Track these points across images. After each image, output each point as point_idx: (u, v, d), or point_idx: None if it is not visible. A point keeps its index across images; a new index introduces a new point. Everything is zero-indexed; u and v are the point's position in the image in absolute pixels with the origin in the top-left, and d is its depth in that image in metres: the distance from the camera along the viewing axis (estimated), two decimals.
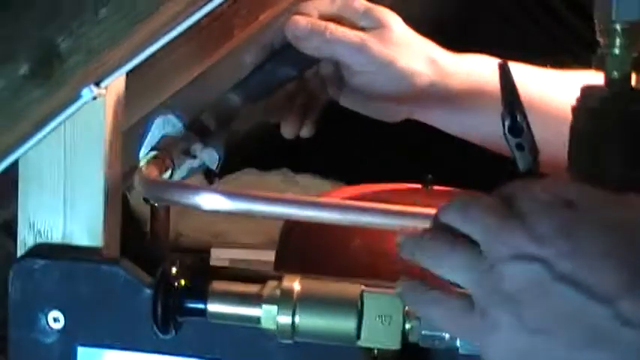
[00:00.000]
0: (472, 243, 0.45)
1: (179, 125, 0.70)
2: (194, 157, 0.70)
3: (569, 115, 0.54)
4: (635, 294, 0.41)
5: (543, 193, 0.45)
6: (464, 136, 0.84)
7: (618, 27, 0.51)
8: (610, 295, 0.41)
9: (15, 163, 0.65)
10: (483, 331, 0.44)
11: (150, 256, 0.67)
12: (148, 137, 0.69)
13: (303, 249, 0.82)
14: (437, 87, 0.78)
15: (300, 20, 0.77)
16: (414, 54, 0.77)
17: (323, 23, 0.76)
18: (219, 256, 1.91)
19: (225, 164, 0.76)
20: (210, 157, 0.70)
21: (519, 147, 0.54)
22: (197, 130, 0.71)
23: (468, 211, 0.46)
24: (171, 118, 0.70)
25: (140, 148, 0.68)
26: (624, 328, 0.41)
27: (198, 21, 0.65)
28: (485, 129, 0.80)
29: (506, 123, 0.54)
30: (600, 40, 0.53)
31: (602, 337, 0.41)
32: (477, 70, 0.79)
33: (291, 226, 0.86)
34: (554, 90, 0.78)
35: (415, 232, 0.48)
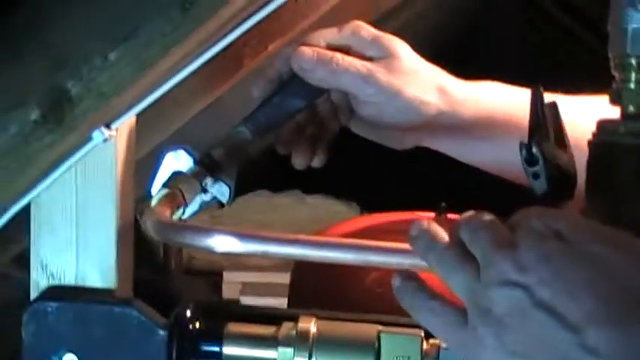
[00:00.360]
0: (477, 263, 0.49)
1: (189, 160, 0.70)
2: (205, 191, 0.70)
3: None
4: (601, 324, 0.43)
5: (537, 223, 0.48)
6: (475, 163, 0.83)
7: (633, 61, 0.51)
8: (578, 323, 0.44)
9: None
10: (471, 347, 0.48)
11: (164, 293, 0.67)
12: (159, 173, 0.69)
13: (316, 283, 0.81)
14: (446, 116, 0.77)
15: (306, 51, 0.76)
16: (423, 83, 0.76)
17: (329, 54, 0.76)
18: (232, 279, 1.90)
19: (235, 186, 0.76)
20: (221, 191, 0.70)
21: (535, 176, 0.55)
22: (207, 165, 0.71)
23: (477, 233, 0.50)
24: (182, 153, 0.70)
25: (151, 185, 0.68)
26: (589, 356, 0.43)
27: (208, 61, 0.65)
28: (495, 156, 0.79)
29: (523, 153, 0.55)
30: (616, 74, 0.52)
31: None
32: (486, 97, 0.79)
33: (302, 264, 0.86)
34: (577, 116, 0.78)
35: (430, 231, 0.52)
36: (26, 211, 0.65)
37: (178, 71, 0.60)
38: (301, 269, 0.82)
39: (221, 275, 1.95)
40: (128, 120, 0.64)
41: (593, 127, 0.54)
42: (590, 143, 0.53)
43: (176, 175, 0.68)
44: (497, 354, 0.46)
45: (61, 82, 0.56)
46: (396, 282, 0.53)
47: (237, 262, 2.01)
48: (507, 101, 0.79)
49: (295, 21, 0.95)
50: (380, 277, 0.78)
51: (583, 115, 0.76)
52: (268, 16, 0.94)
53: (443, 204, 0.86)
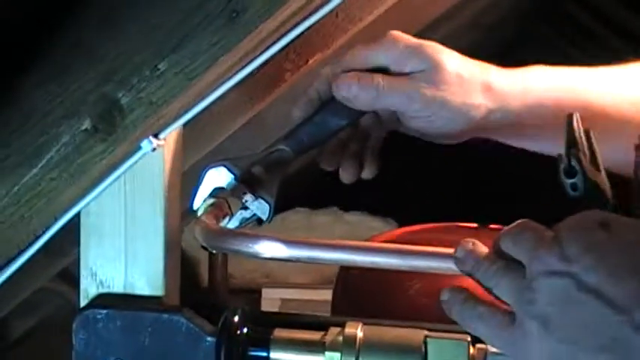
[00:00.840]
0: (522, 267, 0.50)
1: (231, 177, 0.70)
2: (245, 208, 0.70)
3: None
4: None
5: (580, 218, 0.50)
6: (531, 147, 0.82)
7: None
8: (626, 304, 0.46)
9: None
10: (520, 343, 0.49)
11: (209, 304, 0.68)
12: (200, 189, 0.69)
13: (360, 292, 0.81)
14: (495, 112, 0.76)
15: (347, 79, 0.75)
16: (467, 86, 0.75)
17: (370, 78, 0.74)
18: (271, 296, 1.91)
19: (275, 203, 0.76)
20: (261, 208, 0.70)
21: (573, 188, 0.57)
22: (248, 181, 0.71)
23: (521, 235, 0.52)
24: (223, 169, 0.70)
25: (193, 200, 0.69)
26: (636, 335, 0.45)
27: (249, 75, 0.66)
28: (550, 143, 0.77)
29: (562, 164, 0.57)
30: None
31: (618, 343, 0.46)
32: (534, 85, 0.77)
33: (348, 269, 0.86)
34: (613, 87, 0.78)
35: (475, 252, 0.54)
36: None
37: (225, 81, 0.61)
38: (344, 280, 0.82)
39: (259, 293, 1.96)
40: (176, 130, 0.66)
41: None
42: (637, 147, 0.53)
43: (217, 191, 0.69)
44: (545, 344, 0.47)
45: (111, 92, 0.57)
46: (444, 295, 0.55)
47: (275, 279, 2.02)
48: (556, 85, 0.77)
49: (335, 35, 0.97)
50: (424, 288, 0.78)
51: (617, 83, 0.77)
52: (309, 30, 0.95)
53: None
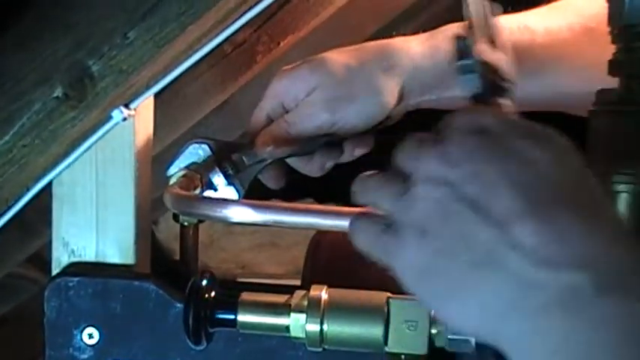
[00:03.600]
0: (407, 177, 0.46)
1: (209, 154, 0.71)
2: (215, 189, 0.71)
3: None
4: (524, 219, 0.41)
5: (463, 119, 0.45)
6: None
7: (633, 31, 0.53)
8: (502, 218, 0.42)
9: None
10: (393, 252, 0.45)
11: (180, 277, 0.69)
12: (179, 158, 0.71)
13: (329, 267, 0.83)
14: (411, 83, 0.74)
15: (262, 148, 0.73)
16: (364, 75, 0.73)
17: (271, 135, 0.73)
18: None
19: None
20: (230, 195, 0.71)
21: (467, 69, 0.54)
22: (225, 165, 0.72)
23: (405, 144, 0.47)
24: (206, 147, 0.71)
25: (170, 165, 0.70)
26: (511, 252, 0.41)
27: (222, 44, 0.67)
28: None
29: (455, 45, 0.54)
30: (615, 45, 0.54)
31: (492, 260, 0.42)
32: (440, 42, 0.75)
33: (316, 245, 0.88)
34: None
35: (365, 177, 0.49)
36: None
37: (195, 52, 0.62)
38: (315, 251, 0.84)
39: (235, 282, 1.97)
40: (147, 101, 0.67)
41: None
42: (590, 112, 0.55)
43: (193, 166, 0.70)
44: (420, 254, 0.44)
45: (82, 60, 0.58)
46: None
47: (250, 270, 2.04)
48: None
49: (307, 18, 0.98)
50: None
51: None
52: (280, 13, 0.97)
53: None
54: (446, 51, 0.73)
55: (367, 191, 0.47)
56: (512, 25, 0.73)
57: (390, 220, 0.45)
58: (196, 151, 0.71)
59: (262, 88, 0.87)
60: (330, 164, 0.77)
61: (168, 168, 0.70)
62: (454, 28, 0.73)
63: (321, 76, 0.72)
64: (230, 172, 0.71)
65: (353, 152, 0.76)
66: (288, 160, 0.76)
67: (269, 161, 0.74)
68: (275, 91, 0.74)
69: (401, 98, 0.74)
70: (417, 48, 0.74)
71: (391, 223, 0.45)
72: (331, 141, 0.75)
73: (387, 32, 1.57)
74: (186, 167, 0.70)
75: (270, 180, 0.76)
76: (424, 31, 0.78)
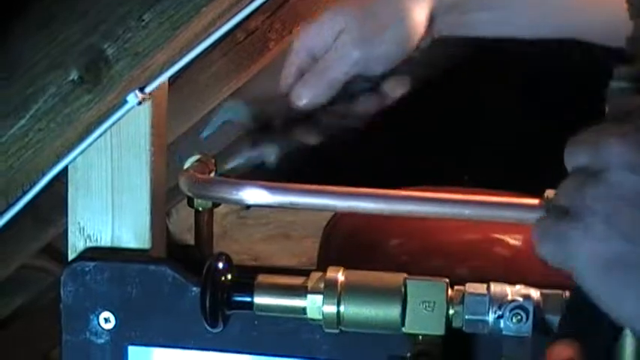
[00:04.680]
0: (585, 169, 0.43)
1: (244, 113, 0.71)
2: (255, 145, 0.71)
3: None
4: None
5: None
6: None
7: None
8: None
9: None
10: (576, 240, 0.43)
11: (195, 261, 0.69)
12: (214, 119, 0.71)
13: (342, 256, 0.83)
14: (438, 9, 0.74)
15: (296, 93, 0.73)
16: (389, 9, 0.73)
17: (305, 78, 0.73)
18: None
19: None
20: (268, 151, 0.70)
21: None
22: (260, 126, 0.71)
23: (582, 137, 0.44)
24: (239, 105, 0.71)
25: (204, 129, 0.71)
26: None
27: (235, 29, 0.67)
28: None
29: None
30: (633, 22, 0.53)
31: None
32: None
33: (329, 234, 0.88)
34: None
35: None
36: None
37: (210, 34, 0.62)
38: (329, 237, 0.84)
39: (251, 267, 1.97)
40: (162, 85, 0.67)
41: None
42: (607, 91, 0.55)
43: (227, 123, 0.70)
44: (605, 243, 0.41)
45: (97, 43, 0.58)
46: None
47: (263, 262, 2.03)
48: None
49: (319, 5, 0.98)
50: (405, 245, 0.80)
51: None
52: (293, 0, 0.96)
53: (466, 177, 0.87)
54: None
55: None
56: None
57: (574, 210, 0.43)
58: (230, 110, 0.71)
59: (275, 77, 0.87)
60: (372, 110, 0.76)
61: (202, 130, 0.70)
62: None
63: (347, 15, 0.73)
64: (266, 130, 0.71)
65: (393, 93, 0.75)
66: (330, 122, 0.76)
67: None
68: (302, 42, 0.74)
69: (429, 24, 0.74)
70: None
71: (574, 213, 0.43)
72: (368, 87, 0.75)
73: None
74: (223, 124, 0.70)
75: (306, 135, 0.75)
76: None
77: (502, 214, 0.57)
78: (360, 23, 0.72)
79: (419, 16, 0.73)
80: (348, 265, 0.77)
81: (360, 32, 0.72)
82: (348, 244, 0.81)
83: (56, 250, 1.28)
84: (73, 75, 0.59)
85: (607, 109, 0.46)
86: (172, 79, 0.72)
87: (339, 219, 0.85)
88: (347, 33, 0.72)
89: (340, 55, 0.72)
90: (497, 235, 0.77)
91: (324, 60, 0.73)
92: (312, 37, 0.74)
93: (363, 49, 0.72)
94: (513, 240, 0.76)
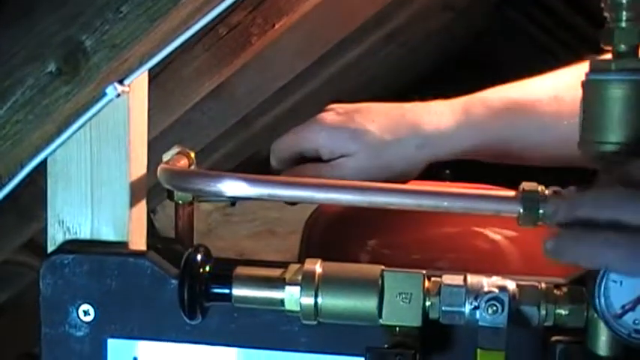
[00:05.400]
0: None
1: None
2: None
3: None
4: None
5: None
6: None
7: (624, 1, 0.53)
8: None
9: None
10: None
11: (176, 255, 0.69)
12: None
13: (323, 246, 0.83)
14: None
15: None
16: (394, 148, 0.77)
17: None
18: None
19: None
20: None
21: None
22: None
23: (602, 199, 0.49)
24: None
25: None
26: None
27: (216, 25, 0.67)
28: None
29: None
30: (607, 15, 0.54)
31: None
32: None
33: (311, 226, 0.88)
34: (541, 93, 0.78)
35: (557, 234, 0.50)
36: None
37: (189, 27, 0.62)
38: (310, 231, 0.84)
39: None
40: (141, 79, 0.67)
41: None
42: (583, 83, 0.55)
43: None
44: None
45: (75, 35, 0.58)
46: (548, 244, 0.51)
47: (248, 258, 2.04)
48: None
49: (302, 0, 0.98)
50: (386, 239, 0.80)
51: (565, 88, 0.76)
52: None
53: (447, 171, 0.88)
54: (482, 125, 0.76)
55: (604, 209, 0.48)
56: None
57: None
58: None
59: (258, 72, 0.87)
60: None
61: None
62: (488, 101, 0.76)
63: (360, 145, 0.75)
64: None
65: None
66: None
67: None
68: (313, 138, 0.76)
69: (428, 164, 0.78)
70: (449, 122, 0.76)
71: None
72: None
73: (382, 17, 1.56)
74: None
75: None
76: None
77: (479, 206, 0.58)
78: (369, 158, 0.76)
79: (421, 163, 0.77)
80: (328, 259, 0.77)
81: (366, 165, 0.76)
82: (328, 238, 0.81)
83: (39, 245, 1.28)
84: (51, 67, 0.59)
85: None
86: (155, 74, 0.72)
87: (320, 213, 0.85)
88: (354, 159, 0.75)
89: (340, 174, 0.75)
90: (477, 229, 0.77)
91: (324, 168, 0.76)
92: (323, 140, 0.76)
93: (363, 179, 0.72)
94: (493, 233, 0.76)
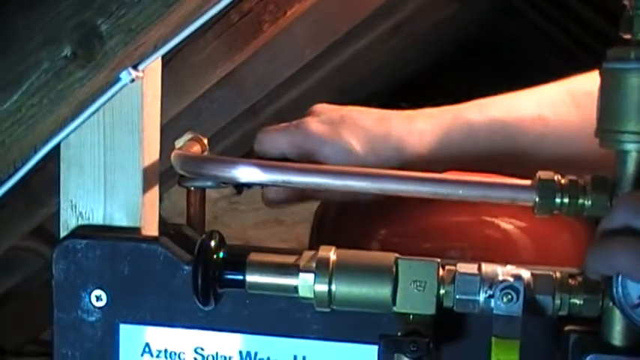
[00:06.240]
0: None
1: None
2: None
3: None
4: None
5: None
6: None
7: None
8: None
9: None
10: None
11: (187, 240, 0.69)
12: None
13: (334, 234, 0.83)
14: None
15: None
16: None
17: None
18: None
19: None
20: None
21: None
22: None
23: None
24: None
25: None
26: None
27: (229, 10, 0.67)
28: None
29: None
30: (626, 2, 0.54)
31: None
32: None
33: (321, 216, 0.88)
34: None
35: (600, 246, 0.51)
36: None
37: (204, 12, 0.62)
38: (321, 219, 0.84)
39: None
40: (155, 65, 0.67)
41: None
42: (601, 71, 0.55)
43: None
44: None
45: (90, 19, 0.58)
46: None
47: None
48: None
49: None
50: (398, 229, 0.80)
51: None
52: None
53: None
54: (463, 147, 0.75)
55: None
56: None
57: None
58: None
59: (267, 61, 0.87)
60: None
61: None
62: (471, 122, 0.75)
63: (341, 160, 0.74)
64: None
65: None
66: None
67: None
68: (296, 144, 0.75)
69: None
70: (430, 144, 0.75)
71: None
72: None
73: (391, 7, 1.56)
74: None
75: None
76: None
77: (495, 194, 0.57)
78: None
79: None
80: (340, 247, 0.77)
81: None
82: (339, 226, 0.81)
83: (48, 232, 1.28)
84: (67, 51, 0.59)
85: None
86: (167, 61, 0.72)
87: (330, 201, 0.85)
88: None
89: None
90: (489, 218, 0.77)
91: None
92: (308, 146, 0.74)
93: None
94: (505, 223, 0.76)
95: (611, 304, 0.53)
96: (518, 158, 0.76)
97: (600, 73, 0.55)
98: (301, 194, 0.75)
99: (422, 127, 0.76)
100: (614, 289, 0.51)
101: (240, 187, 0.76)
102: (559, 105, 0.76)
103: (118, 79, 0.63)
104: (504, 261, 0.58)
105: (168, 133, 0.73)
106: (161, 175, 0.72)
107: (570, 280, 0.56)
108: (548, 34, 2.80)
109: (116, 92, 0.64)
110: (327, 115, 0.76)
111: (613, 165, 0.54)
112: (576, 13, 2.35)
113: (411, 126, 0.76)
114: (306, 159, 0.75)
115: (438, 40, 2.80)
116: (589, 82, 0.67)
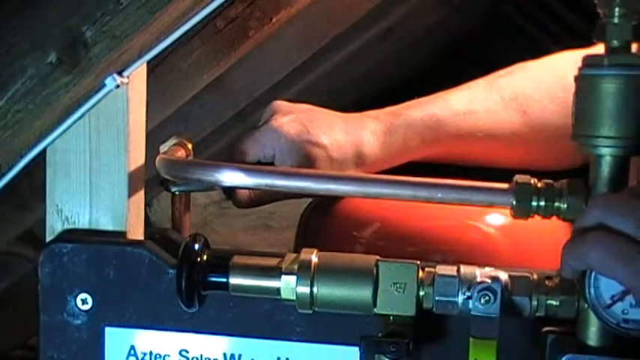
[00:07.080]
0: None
1: None
2: None
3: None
4: None
5: None
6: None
7: None
8: None
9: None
10: None
11: (173, 245, 0.70)
12: None
13: (319, 237, 0.84)
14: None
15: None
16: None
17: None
18: None
19: None
20: None
21: None
22: None
23: (614, 207, 0.51)
24: None
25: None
26: None
27: (215, 17, 0.68)
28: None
29: None
30: (600, 11, 0.55)
31: None
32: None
33: (307, 217, 0.89)
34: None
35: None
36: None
37: (188, 19, 0.63)
38: (306, 222, 0.85)
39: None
40: (140, 71, 0.68)
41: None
42: (576, 78, 0.56)
43: None
44: None
45: (76, 26, 0.59)
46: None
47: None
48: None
49: None
50: (381, 231, 0.81)
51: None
52: None
53: None
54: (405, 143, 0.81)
55: (616, 217, 0.50)
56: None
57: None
58: None
59: (255, 66, 0.87)
60: None
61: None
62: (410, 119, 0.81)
63: (313, 163, 0.76)
64: None
65: None
66: None
67: None
68: (271, 147, 0.76)
69: None
70: (380, 142, 0.80)
71: None
72: None
73: (379, 12, 1.57)
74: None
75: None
76: None
77: (473, 197, 0.59)
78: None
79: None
80: (324, 250, 0.78)
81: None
82: (324, 230, 0.82)
83: (35, 237, 1.28)
84: (52, 57, 0.60)
85: None
86: (153, 67, 0.72)
87: (315, 205, 0.86)
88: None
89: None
90: (470, 222, 0.78)
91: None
92: (275, 151, 0.76)
93: None
94: (485, 226, 0.77)
95: (586, 305, 0.54)
96: (456, 150, 0.82)
97: (575, 80, 0.56)
98: (270, 194, 0.78)
99: (373, 127, 0.81)
100: (587, 290, 0.52)
101: (229, 190, 0.77)
102: (486, 101, 0.83)
103: (103, 85, 0.64)
104: (487, 264, 0.59)
105: (157, 138, 0.73)
106: (150, 180, 0.72)
107: (547, 282, 0.58)
108: (537, 40, 2.82)
109: (101, 98, 0.65)
110: (295, 118, 0.79)
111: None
112: (564, 20, 2.37)
113: (367, 125, 0.81)
114: (279, 162, 0.76)
115: (428, 44, 2.81)
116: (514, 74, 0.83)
